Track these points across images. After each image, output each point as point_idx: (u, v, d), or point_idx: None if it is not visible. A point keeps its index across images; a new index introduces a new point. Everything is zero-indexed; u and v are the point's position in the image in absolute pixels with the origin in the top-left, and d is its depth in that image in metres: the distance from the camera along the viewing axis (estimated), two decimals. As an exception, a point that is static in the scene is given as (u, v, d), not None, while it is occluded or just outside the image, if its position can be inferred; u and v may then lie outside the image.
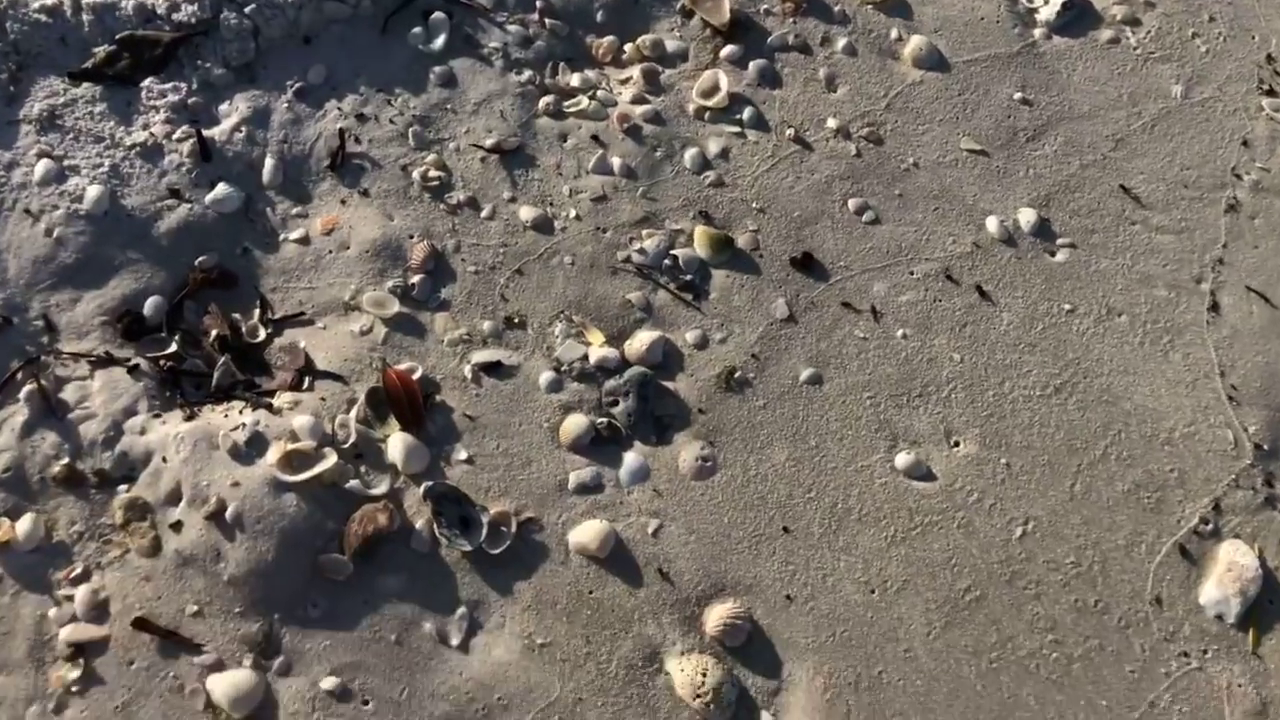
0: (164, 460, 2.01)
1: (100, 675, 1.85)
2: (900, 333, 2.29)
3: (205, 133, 2.39)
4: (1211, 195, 2.51)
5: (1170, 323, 2.33)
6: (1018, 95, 2.63)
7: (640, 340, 2.23)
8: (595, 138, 2.49)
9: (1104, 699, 1.92)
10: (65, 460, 2.01)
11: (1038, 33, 2.74)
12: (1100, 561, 2.05)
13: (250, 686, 1.84)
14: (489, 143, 2.46)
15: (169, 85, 2.43)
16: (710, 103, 2.55)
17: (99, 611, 1.90)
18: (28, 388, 2.07)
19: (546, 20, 2.62)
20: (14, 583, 1.92)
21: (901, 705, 1.90)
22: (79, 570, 1.93)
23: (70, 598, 1.91)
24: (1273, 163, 2.57)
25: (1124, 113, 2.63)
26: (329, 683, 1.86)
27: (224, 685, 1.83)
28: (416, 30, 2.57)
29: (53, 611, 1.89)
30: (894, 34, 2.68)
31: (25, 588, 1.92)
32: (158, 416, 2.09)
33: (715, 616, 1.95)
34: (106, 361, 2.14)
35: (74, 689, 1.83)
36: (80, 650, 1.86)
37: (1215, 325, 2.33)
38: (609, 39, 2.63)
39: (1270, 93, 2.69)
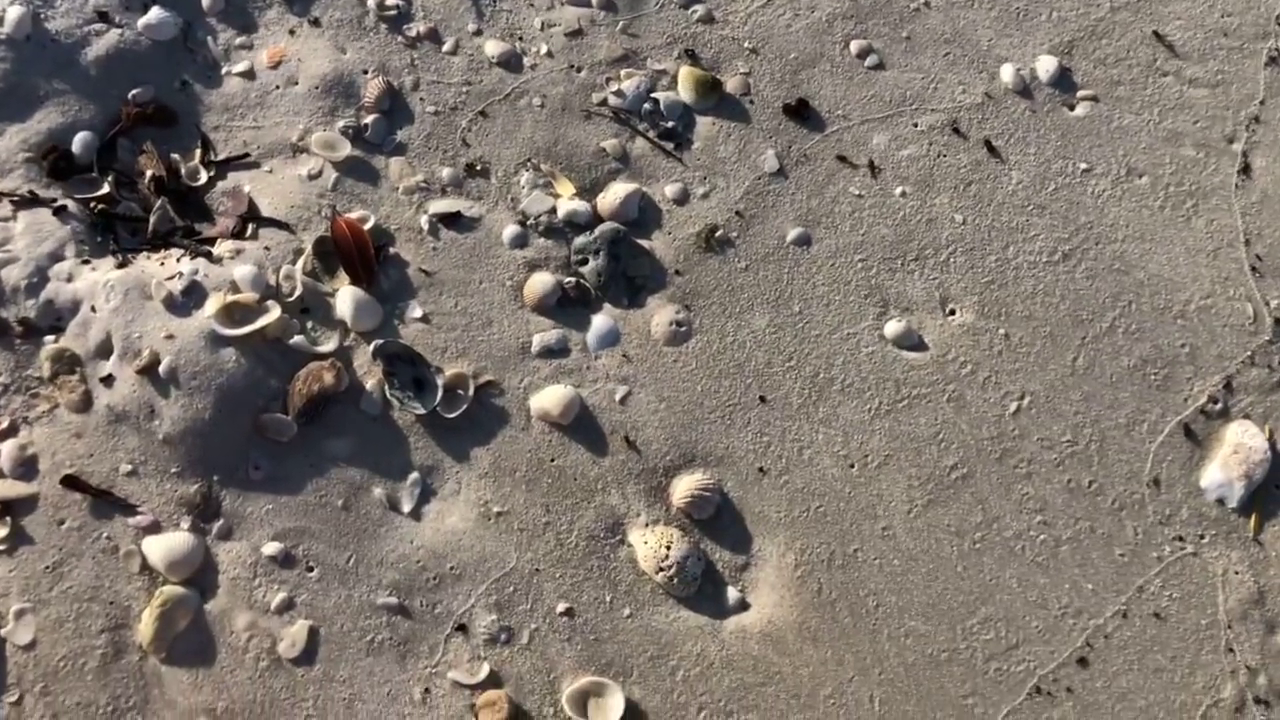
0: (93, 310, 1.82)
1: (29, 534, 1.71)
2: (899, 190, 2.05)
3: (136, -51, 2.10)
4: (1253, 45, 2.21)
5: (1196, 185, 2.08)
6: (1046, -73, 2.30)
7: (614, 193, 2.00)
8: (572, -35, 2.19)
9: (1090, 583, 1.78)
10: (-13, 308, 1.83)
11: None
12: (1098, 440, 1.87)
13: (188, 550, 1.70)
14: (454, -32, 2.16)
15: (95, -107, 2.12)
16: (702, -72, 2.23)
17: (27, 468, 1.74)
18: (-56, 228, 1.86)
19: None
20: (-65, 436, 1.77)
21: (876, 585, 1.76)
22: (5, 424, 1.77)
23: (-4, 453, 1.75)
24: (1325, 10, 2.26)
25: (1164, -50, 2.30)
26: (272, 548, 1.72)
27: (161, 548, 1.69)
28: None
29: (-23, 467, 1.75)
30: None
31: (-52, 442, 1.77)
32: (87, 263, 1.88)
33: (683, 488, 1.80)
34: (31, 201, 1.92)
35: (1, 548, 1.70)
36: (7, 508, 1.71)
37: (1244, 189, 2.08)
38: None
39: (1329, -69, 2.35)
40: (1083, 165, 2.09)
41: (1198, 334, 1.96)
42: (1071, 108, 2.15)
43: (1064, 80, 2.16)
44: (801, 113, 2.09)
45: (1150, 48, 2.21)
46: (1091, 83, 2.16)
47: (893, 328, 1.94)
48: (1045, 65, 2.16)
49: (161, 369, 1.77)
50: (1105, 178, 2.08)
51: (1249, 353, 1.95)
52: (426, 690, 1.66)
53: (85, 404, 1.78)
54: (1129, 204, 2.06)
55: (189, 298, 1.83)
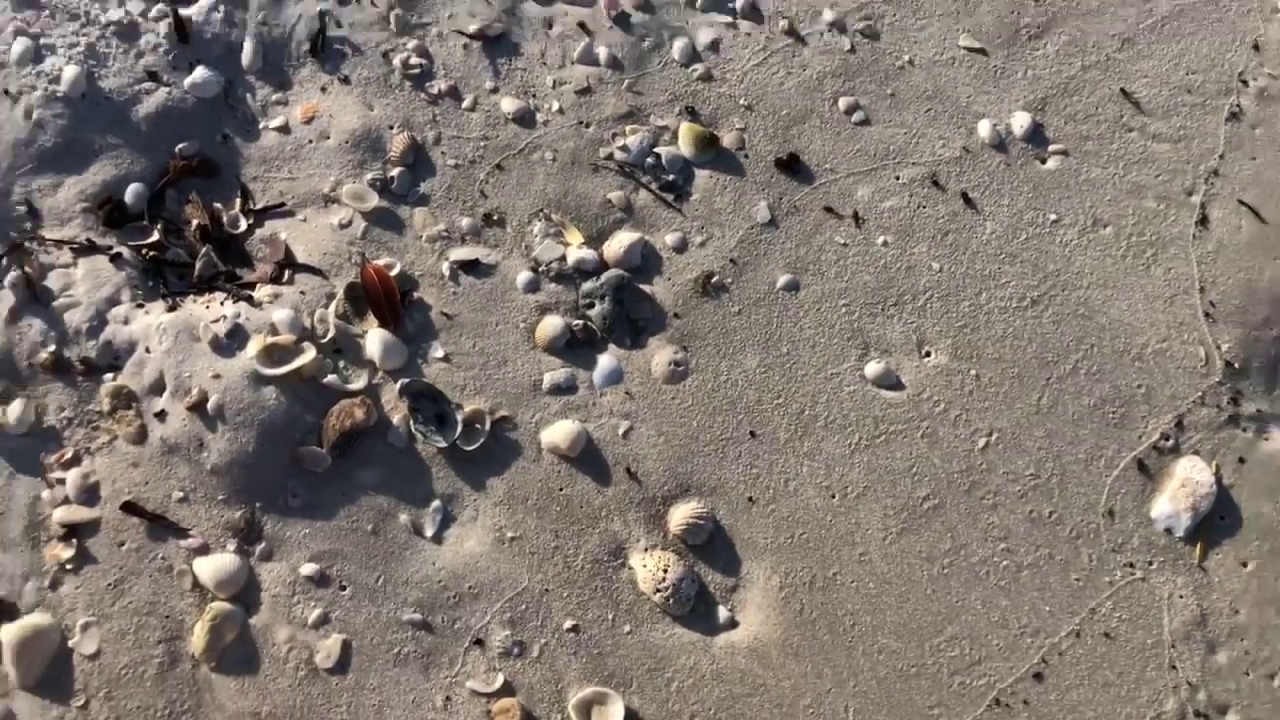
0: (147, 350, 2.00)
1: (93, 555, 1.89)
2: (881, 240, 2.20)
3: (182, 11, 2.26)
4: (1214, 102, 2.36)
5: (1156, 235, 2.23)
6: (1024, -12, 2.44)
7: (619, 242, 2.16)
8: (582, 25, 2.34)
9: (1047, 605, 1.94)
10: (51, 348, 2.00)
11: (1052, -82, 2.52)
12: (1059, 474, 2.03)
13: (234, 570, 1.88)
14: (472, 28, 2.31)
15: (143, -41, 2.28)
16: (702, -10, 2.38)
17: (90, 495, 1.92)
18: (12, 274, 2.03)
19: (535, -105, 2.42)
20: (7, 465, 1.94)
21: (854, 606, 1.93)
22: (69, 455, 1.94)
23: (62, 481, 1.93)
24: (1283, 68, 2.40)
25: (1135, 10, 2.44)
26: (308, 569, 1.90)
27: (209, 568, 1.87)
28: (399, -97, 2.38)
29: (45, 494, 1.92)
30: (900, -83, 2.47)
31: (18, 470, 1.94)
32: (140, 306, 2.05)
33: (679, 516, 1.96)
34: (89, 249, 2.09)
35: (68, 567, 1.87)
36: (73, 531, 1.89)
37: (1201, 239, 2.23)
38: (600, -83, 2.44)
39: (1291, -9, 2.48)
40: (1052, 216, 2.24)
41: (1153, 375, 2.11)
42: (1043, 161, 2.29)
43: (1037, 135, 2.31)
44: (792, 166, 2.25)
45: (1118, 104, 2.35)
46: (1062, 138, 2.31)
47: (873, 368, 2.10)
48: (1020, 121, 2.31)
49: (209, 405, 1.94)
50: (1073, 228, 2.23)
51: (1200, 393, 2.10)
52: (447, 698, 1.84)
53: (141, 437, 1.95)
54: (1094, 253, 2.21)
55: (233, 340, 2.00)
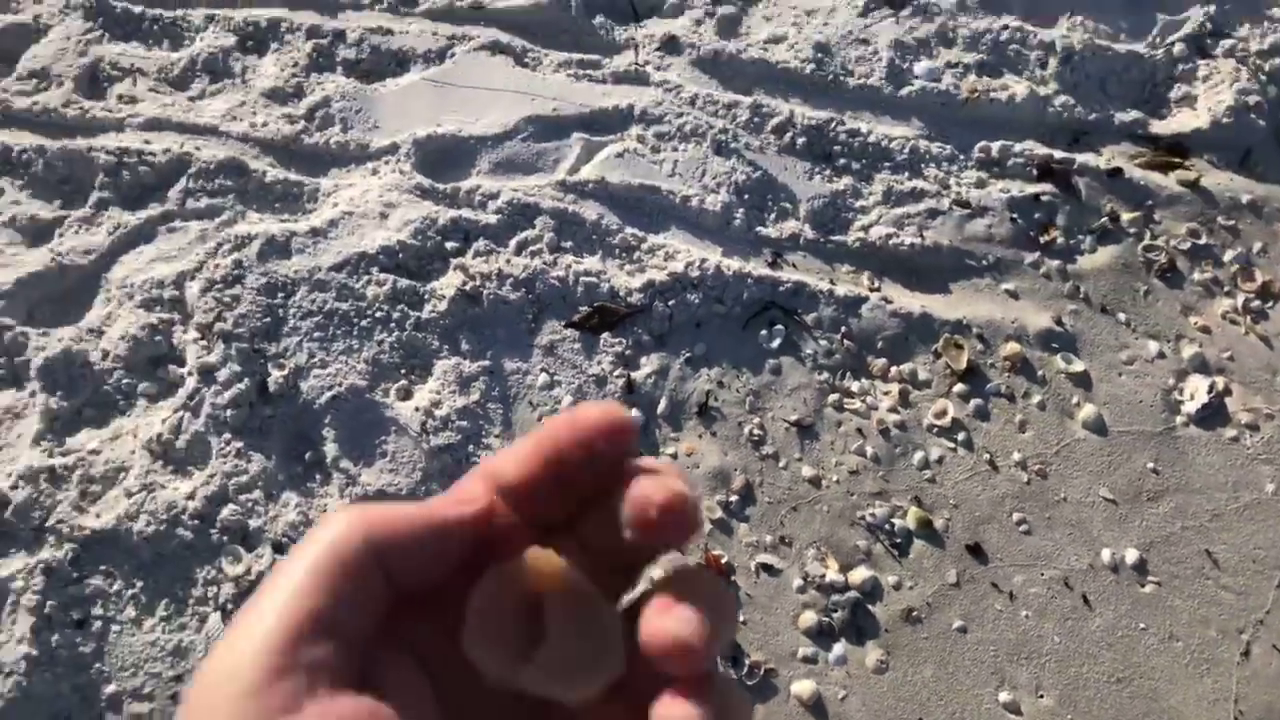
0: (583, 577, 3.36)
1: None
2: (1024, 613, 3.33)
3: (632, 375, 3.75)
4: (1271, 572, 3.38)
5: (1211, 656, 3.25)
6: (1150, 465, 3.58)
7: (859, 574, 3.39)
8: (859, 430, 3.66)
9: None
10: (532, 562, 3.40)
11: (1179, 420, 3.67)
12: (1115, 801, 3.03)
13: (608, 719, 3.14)
14: (793, 418, 3.68)
15: (616, 340, 3.80)
16: (939, 422, 3.66)
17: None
18: (520, 515, 3.48)
19: (845, 341, 3.81)
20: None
21: None
22: (531, 627, 3.30)
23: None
24: (1326, 560, 3.41)
25: (1225, 495, 3.53)
26: None
27: (595, 714, 3.15)
28: (763, 332, 3.83)
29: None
30: (1074, 400, 3.70)
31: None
32: (582, 549, 3.44)
33: (867, 760, 3.09)
34: (559, 507, 3.51)
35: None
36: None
37: (1242, 665, 3.23)
38: (882, 361, 3.80)
39: (1343, 505, 3.51)
40: (1142, 625, 3.30)
41: (1192, 752, 3.10)
42: (1143, 586, 3.37)
43: (1141, 567, 3.40)
44: (976, 551, 3.43)
45: (1201, 559, 3.41)
46: (1159, 573, 3.39)
47: (1004, 696, 3.19)
48: (1131, 555, 3.41)
49: (613, 619, 3.26)
50: (1155, 637, 3.28)
51: (1222, 773, 3.07)
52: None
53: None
54: (1166, 657, 3.25)
55: (630, 582, 3.34)
